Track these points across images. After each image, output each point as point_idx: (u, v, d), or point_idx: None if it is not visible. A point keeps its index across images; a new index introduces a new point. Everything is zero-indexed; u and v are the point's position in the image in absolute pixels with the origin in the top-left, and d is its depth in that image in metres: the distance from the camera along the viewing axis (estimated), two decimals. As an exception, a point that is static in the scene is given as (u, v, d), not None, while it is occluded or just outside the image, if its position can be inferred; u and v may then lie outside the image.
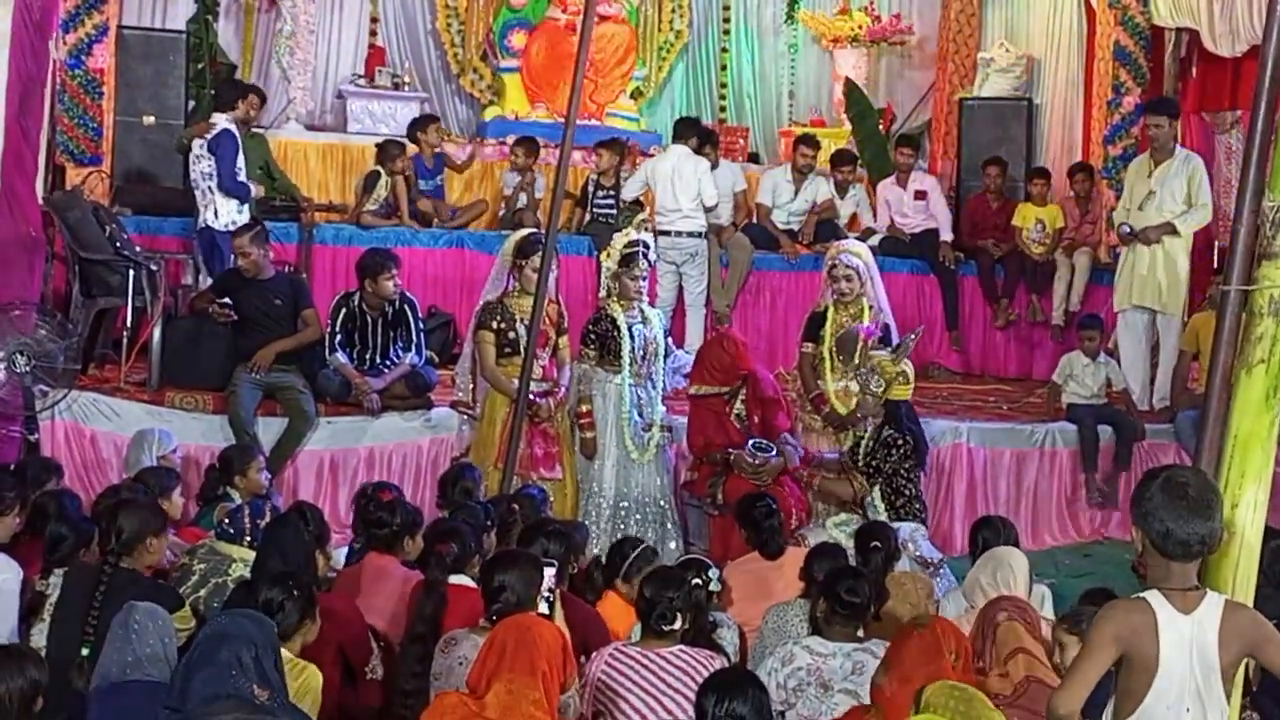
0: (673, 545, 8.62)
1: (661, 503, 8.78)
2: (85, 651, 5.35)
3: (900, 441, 8.22)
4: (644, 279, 8.86)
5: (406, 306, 9.39)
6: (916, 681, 4.43)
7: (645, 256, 8.82)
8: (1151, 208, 10.72)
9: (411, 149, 12.42)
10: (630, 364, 8.72)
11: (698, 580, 5.96)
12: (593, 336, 8.80)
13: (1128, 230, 10.81)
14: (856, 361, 8.64)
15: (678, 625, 5.30)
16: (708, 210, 11.92)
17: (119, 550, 5.79)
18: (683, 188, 11.76)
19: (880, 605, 6.12)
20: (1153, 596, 3.87)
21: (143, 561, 5.85)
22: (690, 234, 11.81)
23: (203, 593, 6.11)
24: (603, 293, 9.04)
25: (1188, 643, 3.82)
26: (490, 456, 8.25)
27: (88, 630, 5.43)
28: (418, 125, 12.58)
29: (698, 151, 12.02)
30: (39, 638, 5.82)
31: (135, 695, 4.65)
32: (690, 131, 12.24)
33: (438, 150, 12.58)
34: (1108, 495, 10.20)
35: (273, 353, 9.08)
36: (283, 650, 4.84)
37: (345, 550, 7.29)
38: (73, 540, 6.21)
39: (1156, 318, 10.89)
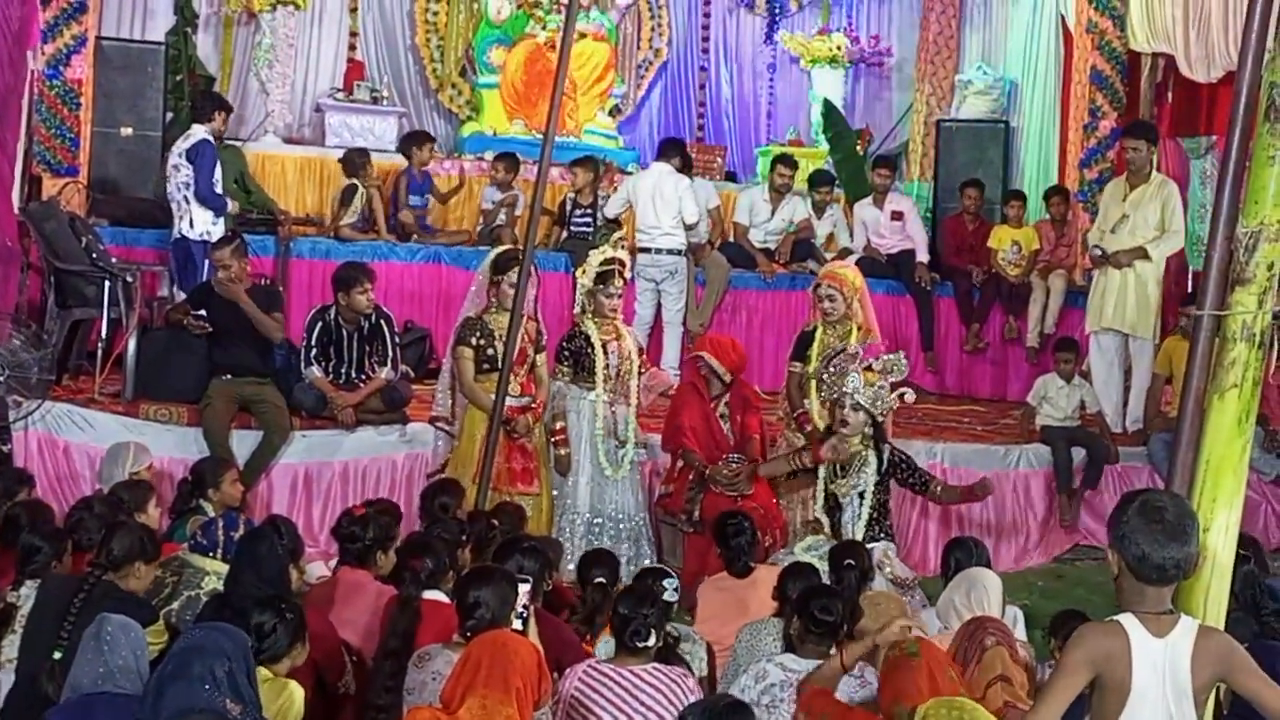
0: (647, 562, 8.61)
1: (636, 519, 8.80)
2: (57, 656, 5.33)
3: (906, 458, 8.24)
4: (619, 297, 8.89)
5: (382, 321, 9.37)
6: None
7: (621, 274, 8.85)
8: (1125, 231, 10.76)
9: (401, 163, 12.47)
10: (604, 381, 8.75)
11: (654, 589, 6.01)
12: (567, 354, 8.83)
13: (1099, 253, 10.86)
14: (850, 386, 8.36)
15: (652, 642, 5.29)
16: (689, 228, 11.95)
17: (105, 565, 5.77)
18: (664, 205, 11.80)
19: (854, 624, 6.13)
20: (1126, 620, 3.88)
21: (127, 584, 5.82)
22: (670, 251, 11.84)
23: (175, 605, 6.09)
24: (577, 310, 9.06)
25: (1160, 666, 3.83)
26: (469, 472, 8.21)
27: (61, 636, 5.41)
28: (413, 141, 12.61)
29: (679, 171, 12.06)
30: (9, 650, 5.79)
31: (106, 708, 4.62)
32: (674, 151, 12.29)
33: (426, 169, 12.61)
34: (1075, 520, 10.24)
35: (241, 298, 9.04)
36: (265, 668, 4.82)
37: (320, 565, 7.27)
38: (48, 551, 6.17)
39: (1129, 341, 10.93)
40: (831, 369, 8.28)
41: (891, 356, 8.27)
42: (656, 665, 5.27)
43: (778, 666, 5.48)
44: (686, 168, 12.34)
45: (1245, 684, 3.89)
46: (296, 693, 4.94)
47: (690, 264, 12.14)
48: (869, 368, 8.15)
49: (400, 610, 5.62)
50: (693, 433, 8.75)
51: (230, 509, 7.49)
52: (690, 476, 8.71)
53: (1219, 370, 4.28)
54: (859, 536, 7.87)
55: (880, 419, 8.16)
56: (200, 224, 10.52)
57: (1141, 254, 10.68)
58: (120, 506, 7.09)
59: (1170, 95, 13.06)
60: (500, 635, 4.79)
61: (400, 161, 12.70)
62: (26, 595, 5.91)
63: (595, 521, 8.68)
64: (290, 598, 5.35)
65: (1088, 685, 3.90)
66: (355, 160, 12.16)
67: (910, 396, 8.36)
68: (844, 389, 8.07)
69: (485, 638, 4.76)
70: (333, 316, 9.25)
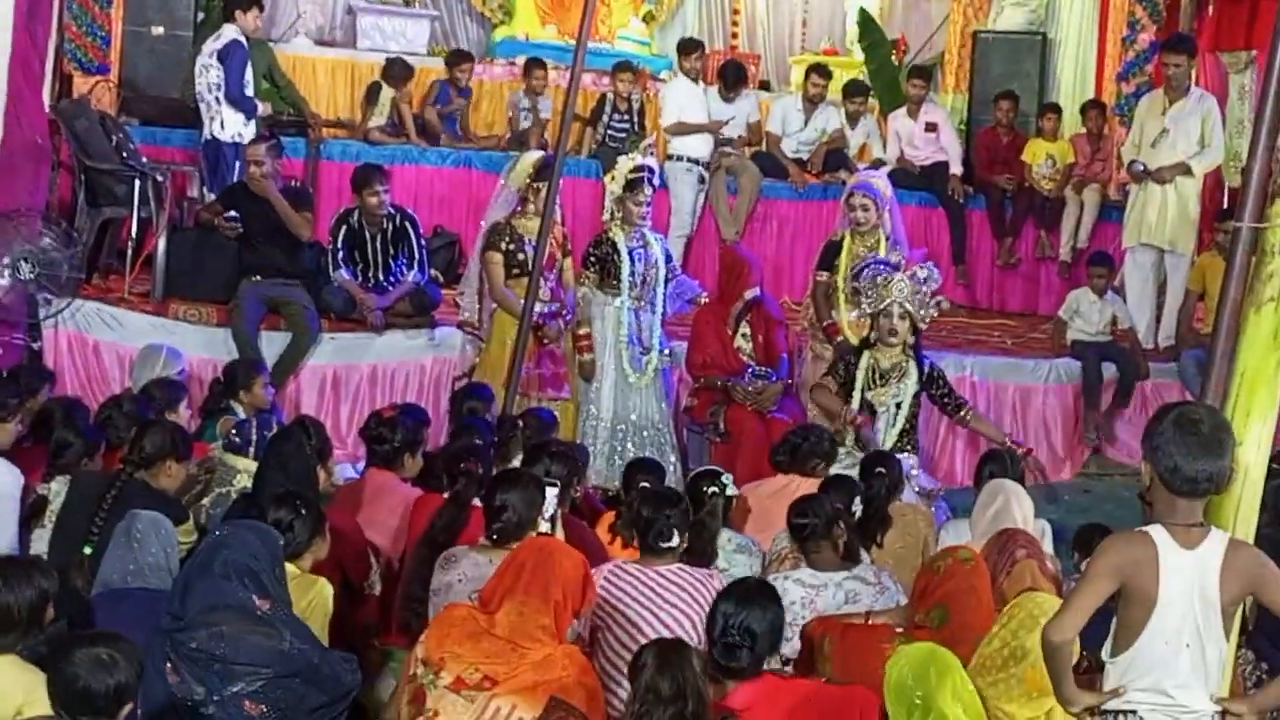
0: (671, 470, 8.61)
1: (660, 425, 8.77)
2: (87, 551, 5.37)
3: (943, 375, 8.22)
4: (648, 204, 8.81)
5: (407, 223, 9.36)
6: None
7: (650, 181, 8.79)
8: (1165, 146, 10.66)
9: (434, 67, 12.50)
10: (630, 288, 8.70)
11: (713, 488, 6.02)
12: (593, 259, 8.78)
13: (1141, 168, 10.75)
14: (897, 293, 8.02)
15: (675, 542, 5.28)
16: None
17: (138, 462, 5.80)
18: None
19: (883, 533, 6.15)
20: (1156, 531, 3.86)
21: (158, 482, 5.86)
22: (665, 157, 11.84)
23: (205, 501, 6.14)
24: (605, 216, 9.00)
25: (1189, 578, 3.80)
26: (499, 377, 8.18)
27: (92, 532, 5.45)
28: (458, 59, 12.57)
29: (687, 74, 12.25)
30: (39, 544, 5.84)
31: (136, 603, 4.67)
32: (686, 47, 12.52)
33: (465, 86, 12.54)
34: (1105, 436, 10.22)
35: (273, 193, 9.12)
36: (293, 565, 4.84)
37: (348, 466, 7.29)
38: (79, 447, 6.22)
39: (1164, 256, 10.85)
40: (875, 280, 8.14)
41: (928, 266, 8.26)
42: (682, 565, 5.28)
43: (796, 584, 5.46)
44: (720, 75, 12.35)
45: (1274, 598, 3.87)
46: (325, 589, 4.96)
47: (720, 175, 12.07)
48: (913, 275, 8.06)
49: (456, 509, 5.67)
50: (705, 368, 8.76)
51: (260, 411, 7.53)
52: (715, 391, 8.70)
53: (1256, 284, 4.22)
54: (889, 446, 7.80)
55: (923, 326, 8.10)
56: (231, 126, 10.48)
57: (1184, 169, 10.59)
58: (151, 404, 7.12)
59: (1211, 8, 12.89)
60: (548, 544, 4.79)
61: (432, 65, 12.62)
62: (57, 490, 5.97)
63: (619, 427, 8.67)
64: (306, 493, 5.35)
65: (1113, 596, 3.89)
66: (395, 69, 12.10)
67: (946, 304, 8.33)
68: (890, 296, 7.97)
69: (533, 543, 4.78)
70: (357, 219, 9.24)
